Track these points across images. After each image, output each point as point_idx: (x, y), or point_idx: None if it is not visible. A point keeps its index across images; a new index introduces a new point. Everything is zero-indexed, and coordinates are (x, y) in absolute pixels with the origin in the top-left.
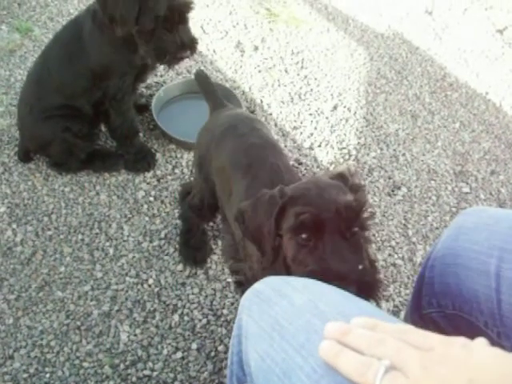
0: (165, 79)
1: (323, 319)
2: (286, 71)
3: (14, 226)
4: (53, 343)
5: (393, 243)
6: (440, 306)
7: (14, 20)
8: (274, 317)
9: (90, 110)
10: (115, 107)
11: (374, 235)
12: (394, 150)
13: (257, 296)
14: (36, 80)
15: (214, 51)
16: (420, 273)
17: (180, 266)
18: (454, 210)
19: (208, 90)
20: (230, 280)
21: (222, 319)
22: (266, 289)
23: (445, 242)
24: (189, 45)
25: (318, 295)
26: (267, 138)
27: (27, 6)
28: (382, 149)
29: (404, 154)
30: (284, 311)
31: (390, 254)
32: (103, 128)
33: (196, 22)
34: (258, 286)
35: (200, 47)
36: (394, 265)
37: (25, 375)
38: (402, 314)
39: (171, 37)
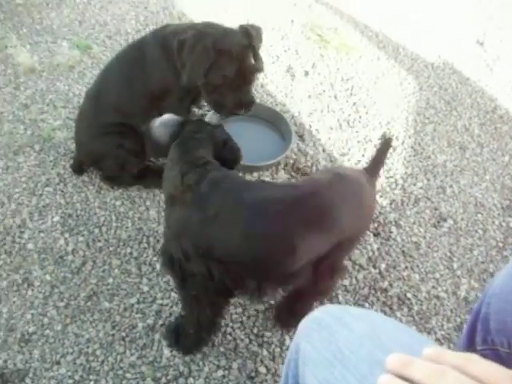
0: None
1: (385, 350)
2: (336, 97)
3: (67, 235)
4: (98, 352)
5: (437, 275)
6: (495, 344)
7: (74, 37)
8: (336, 344)
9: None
10: None
11: (418, 266)
12: (442, 181)
13: (317, 323)
14: (96, 97)
15: (265, 75)
16: (475, 308)
17: None
18: (500, 244)
19: (381, 157)
20: (272, 302)
21: (264, 340)
22: (326, 316)
23: (502, 279)
24: (246, 105)
25: (377, 325)
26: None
27: (87, 24)
28: (428, 179)
29: (451, 186)
30: (345, 339)
31: (433, 286)
32: None
33: None
34: (317, 313)
35: None
36: (437, 297)
37: (70, 381)
38: (445, 347)
39: (232, 95)
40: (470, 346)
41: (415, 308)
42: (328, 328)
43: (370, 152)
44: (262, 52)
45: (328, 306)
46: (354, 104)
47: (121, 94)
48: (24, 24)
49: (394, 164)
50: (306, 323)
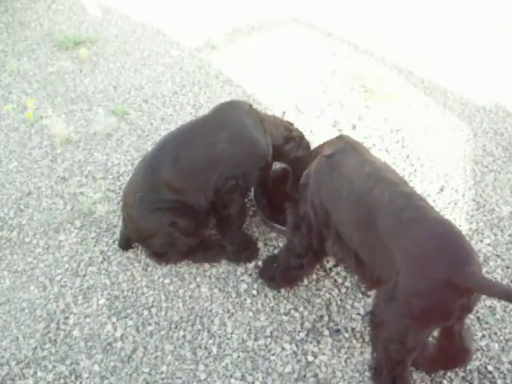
0: None
1: None
2: (387, 151)
3: (114, 319)
4: None
5: None
6: None
7: (109, 103)
8: None
9: (205, 205)
10: (241, 195)
11: (495, 333)
12: (510, 235)
13: None
14: (153, 170)
15: (311, 131)
16: None
17: (288, 368)
18: None
19: None
20: None
21: None
22: None
23: None
24: None
25: None
26: None
27: (122, 89)
28: (496, 234)
29: None
30: None
31: None
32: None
33: (290, 100)
34: None
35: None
36: None
37: None
38: None
39: None
40: None
41: (498, 382)
42: None
43: None
44: (306, 106)
45: None
46: (408, 157)
47: (184, 173)
48: (58, 92)
49: (457, 220)
50: None
